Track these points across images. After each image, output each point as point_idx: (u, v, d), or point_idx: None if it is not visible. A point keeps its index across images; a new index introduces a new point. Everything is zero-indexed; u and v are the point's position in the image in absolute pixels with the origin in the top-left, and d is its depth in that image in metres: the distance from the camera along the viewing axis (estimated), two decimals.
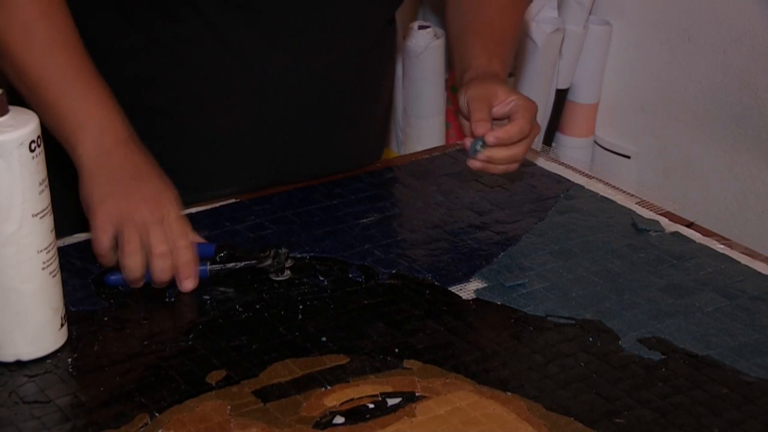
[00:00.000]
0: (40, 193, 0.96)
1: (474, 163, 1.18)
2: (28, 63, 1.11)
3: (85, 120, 1.11)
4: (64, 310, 1.01)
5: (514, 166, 1.21)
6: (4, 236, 0.95)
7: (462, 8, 1.32)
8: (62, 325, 1.01)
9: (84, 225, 1.19)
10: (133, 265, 1.07)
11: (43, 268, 0.98)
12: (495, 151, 1.17)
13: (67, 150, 1.12)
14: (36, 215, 0.96)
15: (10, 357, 0.99)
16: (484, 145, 1.17)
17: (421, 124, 2.14)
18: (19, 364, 0.98)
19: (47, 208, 0.97)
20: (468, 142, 1.18)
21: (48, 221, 0.98)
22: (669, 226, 1.24)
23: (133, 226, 1.07)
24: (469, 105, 1.18)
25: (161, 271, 1.07)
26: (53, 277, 0.99)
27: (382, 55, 1.36)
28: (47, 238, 0.98)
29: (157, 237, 1.07)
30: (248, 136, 1.27)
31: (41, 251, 0.97)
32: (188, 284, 1.08)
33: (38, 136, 0.95)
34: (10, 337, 0.98)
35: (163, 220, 1.08)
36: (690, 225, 1.25)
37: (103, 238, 1.08)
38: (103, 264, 1.09)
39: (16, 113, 0.95)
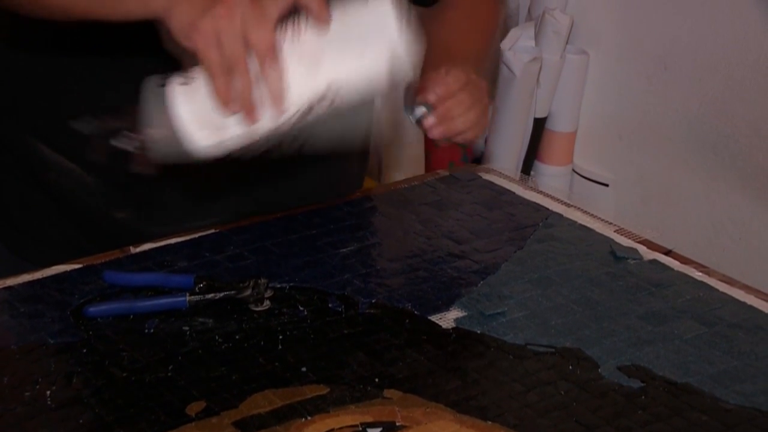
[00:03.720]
0: None
1: (434, 131, 1.15)
2: None
3: None
4: None
5: (473, 132, 1.18)
6: None
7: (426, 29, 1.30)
8: None
9: (62, 257, 1.19)
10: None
11: None
12: (444, 110, 1.14)
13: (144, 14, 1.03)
14: None
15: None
16: (428, 108, 1.14)
17: (400, 153, 2.15)
18: None
19: None
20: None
21: None
22: (647, 253, 1.25)
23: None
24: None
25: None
26: None
27: None
28: None
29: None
30: (222, 172, 1.27)
31: None
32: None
33: None
34: None
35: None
36: (668, 253, 1.25)
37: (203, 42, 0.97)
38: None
39: None
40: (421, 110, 1.14)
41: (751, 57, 1.88)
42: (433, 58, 1.25)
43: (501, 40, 2.22)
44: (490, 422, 0.96)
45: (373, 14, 0.97)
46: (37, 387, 0.99)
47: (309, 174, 1.33)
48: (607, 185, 2.21)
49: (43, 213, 1.29)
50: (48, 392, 0.99)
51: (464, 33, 1.32)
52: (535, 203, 1.37)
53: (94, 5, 1.04)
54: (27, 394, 0.98)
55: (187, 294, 1.11)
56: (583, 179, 2.25)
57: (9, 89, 1.28)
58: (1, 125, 1.30)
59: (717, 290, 1.18)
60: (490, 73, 1.45)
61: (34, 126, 1.27)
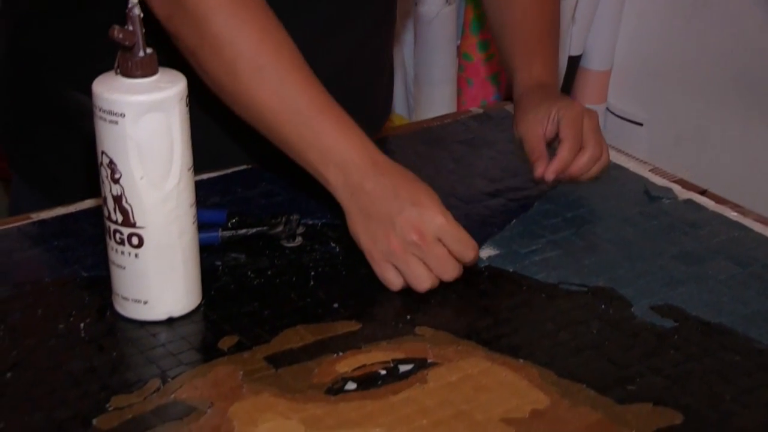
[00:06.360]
0: (189, 148, 0.97)
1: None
2: (255, 95, 1.07)
3: (328, 153, 1.06)
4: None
5: (598, 168, 1.22)
6: (166, 191, 0.96)
7: (497, 3, 1.33)
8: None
9: (94, 191, 1.19)
10: (422, 282, 1.05)
11: (193, 222, 0.99)
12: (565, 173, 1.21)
13: (320, 180, 1.08)
14: (189, 169, 0.98)
15: (162, 315, 1.00)
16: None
17: (432, 91, 2.14)
18: (30, 330, 0.99)
19: (192, 162, 0.99)
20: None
21: (193, 175, 0.99)
22: (682, 193, 1.24)
23: (408, 257, 1.04)
24: (523, 145, 1.23)
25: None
26: (197, 231, 1.01)
27: (380, 30, 1.34)
28: (194, 192, 0.99)
29: (433, 258, 1.04)
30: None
31: (192, 205, 0.99)
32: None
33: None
34: (163, 295, 0.99)
35: (432, 235, 1.04)
36: (703, 192, 1.24)
37: (389, 276, 1.05)
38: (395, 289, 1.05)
39: (163, 71, 0.96)
40: None
41: None
42: (511, 32, 1.30)
43: None
44: (521, 360, 0.96)
45: None
46: (71, 320, 1.00)
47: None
48: (641, 124, 2.19)
49: (78, 159, 1.29)
50: (81, 325, 0.99)
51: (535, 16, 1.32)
52: None
53: (282, 142, 1.09)
54: (61, 326, 0.99)
55: (220, 229, 1.11)
56: (618, 118, 2.23)
57: (46, 38, 1.27)
58: (38, 75, 1.29)
59: (752, 230, 1.17)
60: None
61: (71, 75, 1.26)
